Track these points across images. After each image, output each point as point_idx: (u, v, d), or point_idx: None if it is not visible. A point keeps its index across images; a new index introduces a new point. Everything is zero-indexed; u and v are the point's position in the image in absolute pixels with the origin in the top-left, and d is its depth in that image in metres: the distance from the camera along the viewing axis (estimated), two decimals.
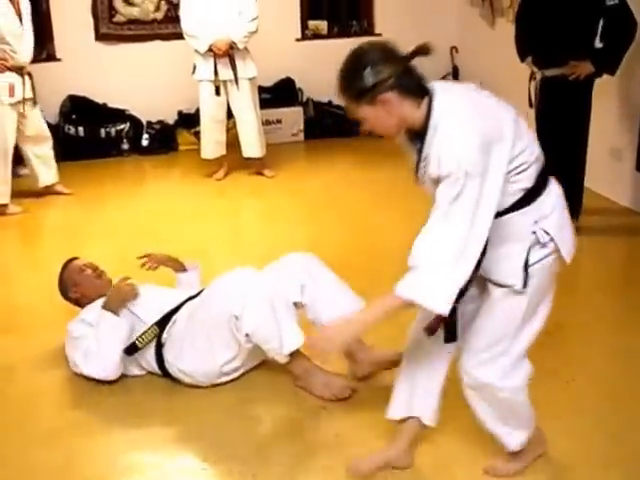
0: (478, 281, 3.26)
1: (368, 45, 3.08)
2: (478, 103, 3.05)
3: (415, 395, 3.58)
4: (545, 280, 3.22)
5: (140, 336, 4.37)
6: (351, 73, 3.02)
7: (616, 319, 5.13)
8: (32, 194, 8.29)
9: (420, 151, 3.05)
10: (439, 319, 3.23)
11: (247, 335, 4.02)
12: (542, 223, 3.11)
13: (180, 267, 5.05)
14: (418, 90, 3.01)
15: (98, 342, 4.35)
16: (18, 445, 3.97)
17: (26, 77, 7.90)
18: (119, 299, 4.46)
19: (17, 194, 8.05)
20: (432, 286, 2.91)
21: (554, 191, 3.19)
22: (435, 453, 3.76)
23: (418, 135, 3.06)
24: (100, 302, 4.50)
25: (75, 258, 4.89)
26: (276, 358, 4.13)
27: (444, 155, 2.92)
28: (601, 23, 6.22)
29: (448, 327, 3.31)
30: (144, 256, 5.01)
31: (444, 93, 3.03)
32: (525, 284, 3.12)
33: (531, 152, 3.07)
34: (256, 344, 4.09)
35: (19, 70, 7.83)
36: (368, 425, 3.95)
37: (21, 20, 7.84)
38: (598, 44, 6.28)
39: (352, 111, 3.09)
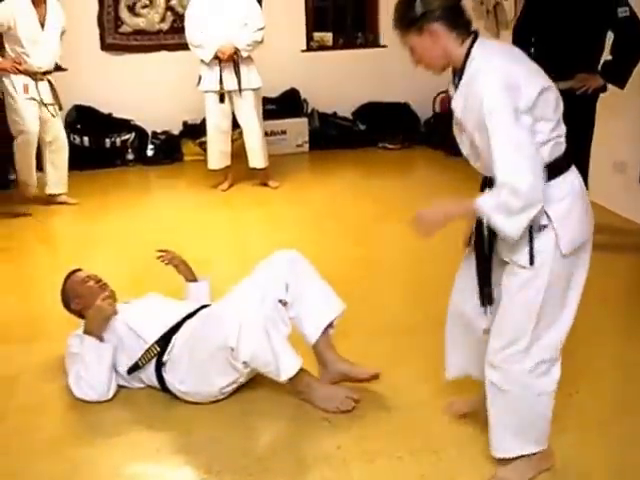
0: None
1: None
2: (515, 56, 3.30)
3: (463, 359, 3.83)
4: (561, 267, 3.29)
5: (142, 356, 4.35)
6: (404, 5, 3.26)
7: (620, 333, 5.11)
8: (38, 202, 8.33)
9: (456, 88, 3.30)
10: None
11: (245, 363, 4.03)
12: (545, 205, 3.17)
13: (191, 276, 5.05)
14: (463, 28, 3.25)
15: (84, 368, 4.34)
16: (20, 455, 3.97)
17: (40, 82, 8.02)
18: (100, 318, 4.43)
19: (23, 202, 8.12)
20: (505, 211, 3.07)
21: (570, 181, 3.29)
22: (439, 463, 3.75)
23: (458, 75, 3.29)
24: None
25: (78, 269, 4.87)
26: (276, 379, 4.13)
27: (469, 97, 3.17)
28: (611, 35, 6.09)
29: (483, 290, 3.47)
30: (163, 250, 5.04)
31: (486, 41, 3.28)
32: (532, 261, 3.23)
33: (552, 128, 3.21)
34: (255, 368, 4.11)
35: (33, 75, 7.96)
36: (370, 437, 3.95)
37: (43, 27, 7.95)
38: (607, 57, 6.14)
39: (403, 42, 3.31)
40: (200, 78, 8.53)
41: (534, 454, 3.56)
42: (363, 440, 3.93)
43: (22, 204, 8.19)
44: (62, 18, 8.17)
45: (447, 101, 10.17)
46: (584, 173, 6.23)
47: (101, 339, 4.40)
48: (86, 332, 4.41)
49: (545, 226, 3.21)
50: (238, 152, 8.85)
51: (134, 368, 4.39)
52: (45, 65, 8.04)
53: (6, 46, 7.98)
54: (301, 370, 4.11)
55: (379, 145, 10.50)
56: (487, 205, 3.11)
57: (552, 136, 3.20)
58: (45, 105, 8.06)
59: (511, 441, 3.52)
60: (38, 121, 8.10)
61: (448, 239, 3.80)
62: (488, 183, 3.26)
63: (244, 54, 8.35)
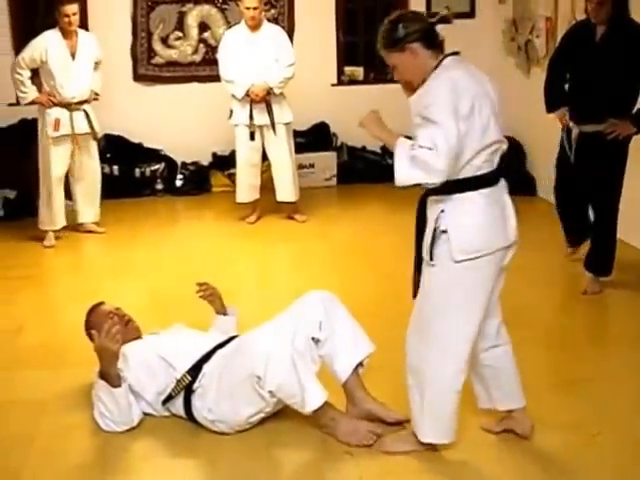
0: None
1: (401, 11, 3.98)
2: (474, 76, 3.75)
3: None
4: (455, 272, 3.71)
5: (175, 387, 4.36)
6: (388, 29, 3.78)
7: None
8: (66, 230, 8.40)
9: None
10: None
11: (270, 392, 4.05)
12: (447, 214, 3.71)
13: (222, 309, 5.06)
14: (437, 47, 3.80)
15: (105, 408, 4.35)
16: (47, 479, 3.99)
17: (75, 113, 8.09)
18: (107, 362, 4.33)
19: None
20: (410, 164, 3.59)
21: (486, 195, 3.72)
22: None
23: None
24: (125, 350, 4.52)
25: (101, 303, 4.89)
26: (300, 411, 4.14)
27: (422, 93, 3.70)
28: None
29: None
30: (202, 283, 5.04)
31: (460, 60, 3.82)
32: (431, 257, 3.74)
33: (478, 149, 3.66)
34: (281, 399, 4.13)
35: (67, 106, 8.04)
36: (392, 471, 3.95)
37: (74, 58, 8.06)
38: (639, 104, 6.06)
39: (386, 60, 3.84)
40: (231, 112, 8.57)
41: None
42: (385, 474, 3.93)
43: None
44: (95, 49, 8.28)
45: None
46: (612, 215, 6.18)
47: (117, 378, 4.35)
48: (101, 373, 4.37)
49: (445, 231, 3.69)
50: (266, 184, 8.86)
51: (168, 399, 4.40)
52: (78, 95, 8.10)
53: (42, 80, 8.10)
54: (326, 404, 4.12)
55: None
56: (402, 149, 3.64)
57: (478, 155, 3.66)
58: (76, 136, 8.13)
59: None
60: (66, 163, 8.19)
61: None
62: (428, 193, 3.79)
63: (277, 91, 8.40)
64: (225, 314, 5.04)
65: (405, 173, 3.59)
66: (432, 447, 4.02)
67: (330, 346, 4.37)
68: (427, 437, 3.96)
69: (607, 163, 6.11)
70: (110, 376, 4.33)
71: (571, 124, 6.33)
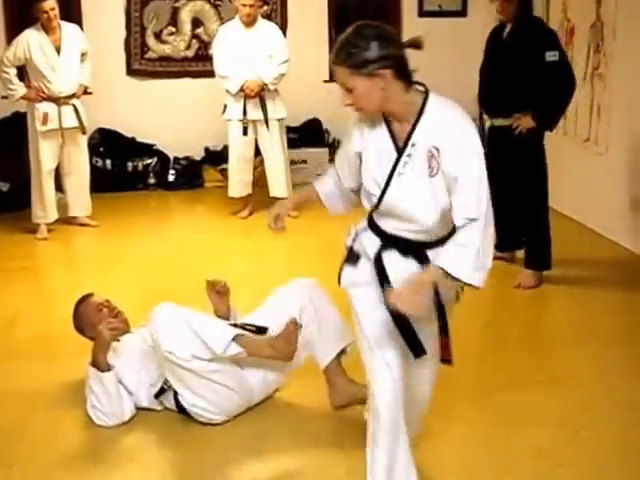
0: None
1: (373, 23, 3.15)
2: None
3: None
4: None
5: (166, 379, 4.36)
6: (358, 43, 3.07)
7: (629, 370, 5.10)
8: (59, 222, 8.44)
9: (408, 137, 3.22)
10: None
11: (208, 360, 4.11)
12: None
13: (227, 312, 4.94)
14: (409, 76, 3.16)
15: (95, 398, 4.39)
16: (39, 469, 4.03)
17: (64, 107, 8.12)
18: (100, 346, 4.39)
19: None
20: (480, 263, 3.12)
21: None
22: None
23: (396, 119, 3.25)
24: (117, 344, 4.56)
25: (90, 294, 4.91)
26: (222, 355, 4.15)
27: (462, 145, 3.13)
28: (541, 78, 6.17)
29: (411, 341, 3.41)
30: (223, 284, 5.03)
31: (436, 94, 3.24)
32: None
33: None
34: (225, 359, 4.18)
35: (56, 100, 8.06)
36: None
37: (59, 53, 8.07)
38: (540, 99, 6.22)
39: (343, 80, 3.14)
40: (225, 107, 8.62)
41: None
42: None
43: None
44: (80, 40, 8.31)
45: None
46: (543, 212, 6.39)
47: (105, 364, 4.39)
48: (92, 362, 4.41)
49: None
50: (259, 180, 8.91)
51: (160, 392, 4.44)
52: (66, 90, 8.14)
53: (30, 76, 8.17)
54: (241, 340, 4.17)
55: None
56: (465, 269, 3.12)
57: None
58: (63, 130, 8.17)
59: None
60: (56, 156, 8.26)
61: None
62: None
63: (271, 87, 8.46)
64: (227, 318, 4.88)
65: (480, 278, 3.15)
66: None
67: (311, 331, 4.43)
68: None
69: (520, 156, 6.32)
70: (99, 362, 4.37)
71: (485, 117, 6.67)
